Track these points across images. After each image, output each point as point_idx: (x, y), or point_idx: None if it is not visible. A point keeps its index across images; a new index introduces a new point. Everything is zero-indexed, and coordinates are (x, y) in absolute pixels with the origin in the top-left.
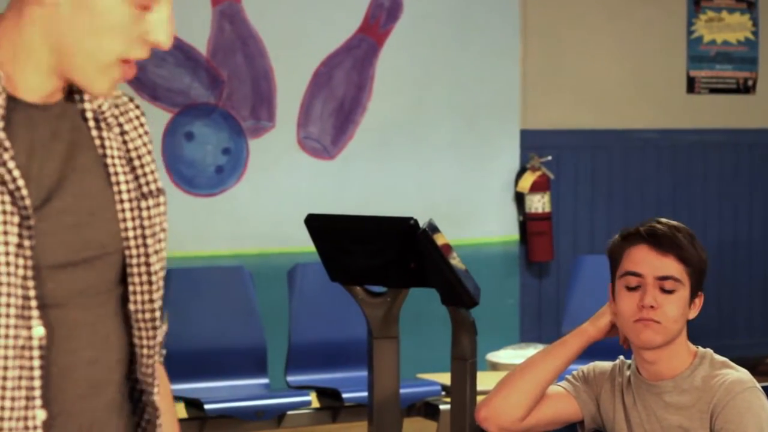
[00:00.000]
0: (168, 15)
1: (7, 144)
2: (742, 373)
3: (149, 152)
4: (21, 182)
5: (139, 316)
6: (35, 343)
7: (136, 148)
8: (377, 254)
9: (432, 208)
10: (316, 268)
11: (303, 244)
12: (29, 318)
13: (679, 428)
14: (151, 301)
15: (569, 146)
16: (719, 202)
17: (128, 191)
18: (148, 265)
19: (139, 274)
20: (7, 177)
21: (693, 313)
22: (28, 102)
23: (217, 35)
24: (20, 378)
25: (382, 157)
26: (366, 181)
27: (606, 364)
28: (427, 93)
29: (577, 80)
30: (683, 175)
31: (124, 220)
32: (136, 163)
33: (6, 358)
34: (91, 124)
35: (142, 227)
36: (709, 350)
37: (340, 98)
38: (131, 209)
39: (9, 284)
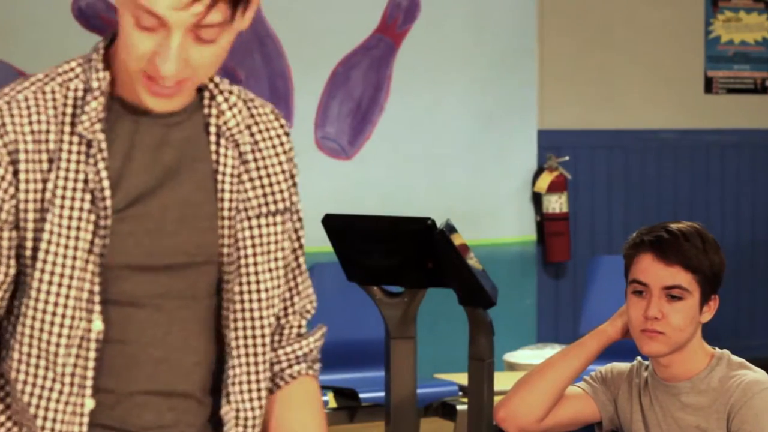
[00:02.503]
0: (173, 49)
1: (103, 146)
2: (759, 374)
3: (283, 171)
4: (106, 183)
5: (232, 325)
6: (93, 336)
7: (266, 166)
8: (394, 254)
9: (449, 208)
10: (333, 268)
11: (320, 244)
12: (91, 312)
13: (696, 429)
14: (259, 318)
15: (587, 146)
16: (737, 202)
17: (230, 209)
18: (258, 282)
19: (238, 287)
20: (94, 177)
21: (707, 317)
22: (136, 107)
23: None
24: (75, 366)
25: (400, 157)
26: (383, 181)
27: (623, 366)
28: (444, 93)
29: (594, 80)
30: (701, 176)
31: (222, 236)
32: (265, 180)
33: (60, 345)
34: (212, 138)
35: (252, 245)
36: (726, 351)
37: (357, 98)
38: (230, 226)
39: (73, 278)
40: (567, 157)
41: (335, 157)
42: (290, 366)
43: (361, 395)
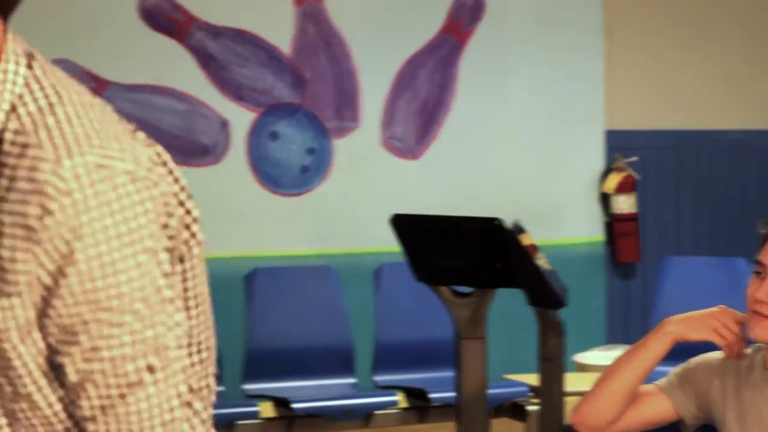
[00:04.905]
0: None
1: None
2: None
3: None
4: None
5: None
6: None
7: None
8: (462, 254)
9: (517, 208)
10: (401, 268)
11: (388, 243)
12: None
13: None
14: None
15: (655, 147)
16: None
17: None
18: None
19: None
20: None
21: None
22: None
23: (300, 35)
24: None
25: (467, 156)
26: (450, 181)
27: (714, 357)
28: (510, 92)
29: (662, 79)
30: None
31: None
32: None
33: None
34: None
35: None
36: None
37: (423, 98)
38: None
39: None
40: (635, 158)
41: (402, 157)
42: None
43: (431, 395)
